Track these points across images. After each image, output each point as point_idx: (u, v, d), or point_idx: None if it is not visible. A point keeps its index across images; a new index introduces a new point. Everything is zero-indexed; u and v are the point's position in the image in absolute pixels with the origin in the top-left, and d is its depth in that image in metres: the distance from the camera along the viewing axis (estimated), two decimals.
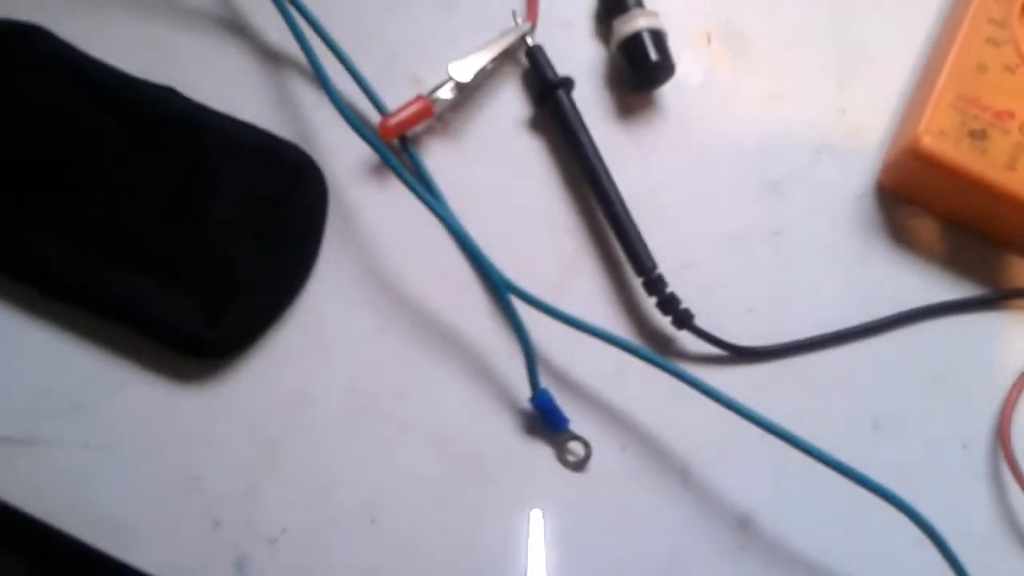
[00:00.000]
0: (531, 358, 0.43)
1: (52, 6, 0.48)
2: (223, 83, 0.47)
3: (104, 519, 0.41)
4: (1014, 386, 0.47)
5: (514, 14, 0.50)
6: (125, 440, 0.42)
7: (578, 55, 0.51)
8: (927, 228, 0.50)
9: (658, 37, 0.49)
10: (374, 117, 0.47)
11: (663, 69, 0.49)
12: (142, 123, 0.44)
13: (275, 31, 0.48)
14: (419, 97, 0.47)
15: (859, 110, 0.51)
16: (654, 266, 0.46)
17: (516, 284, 0.44)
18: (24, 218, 0.42)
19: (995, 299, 0.49)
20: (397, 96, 0.47)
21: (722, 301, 0.47)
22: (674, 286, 0.46)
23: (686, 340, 0.46)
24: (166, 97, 0.45)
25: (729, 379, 0.46)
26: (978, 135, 0.47)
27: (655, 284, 0.45)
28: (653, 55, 0.49)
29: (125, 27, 0.48)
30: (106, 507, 0.41)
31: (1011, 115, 0.47)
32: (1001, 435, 0.46)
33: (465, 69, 0.47)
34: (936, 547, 0.41)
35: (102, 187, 0.43)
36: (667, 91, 0.51)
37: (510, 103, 0.50)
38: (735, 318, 0.47)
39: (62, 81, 0.44)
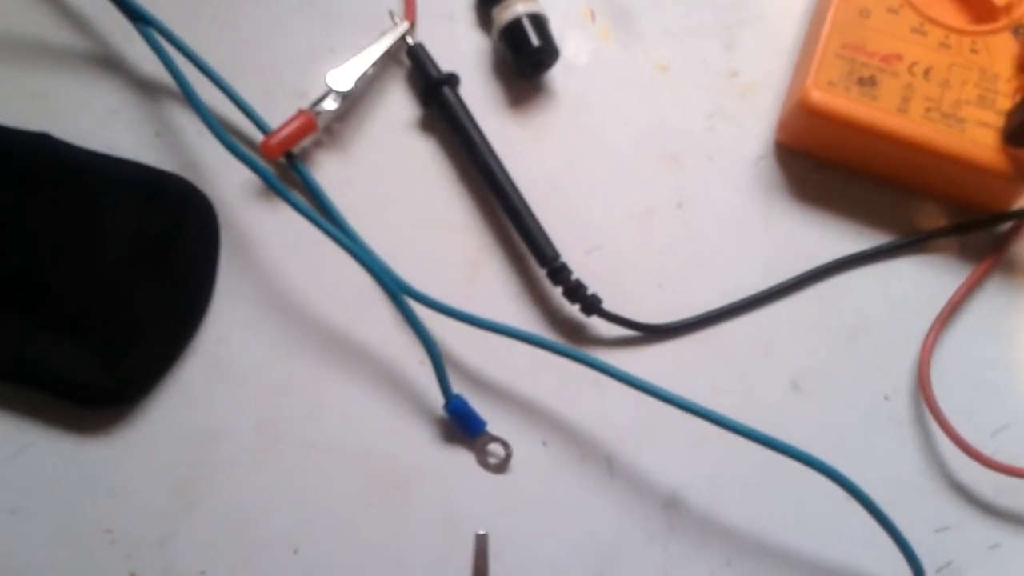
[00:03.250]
0: (439, 364, 0.43)
1: None
2: (100, 122, 0.47)
3: None
4: (930, 331, 0.47)
5: (391, 14, 0.49)
6: (35, 501, 0.41)
7: (463, 47, 0.50)
8: (830, 181, 0.49)
9: (538, 21, 0.49)
10: (259, 136, 0.46)
11: (547, 53, 0.49)
12: (19, 174, 0.43)
13: (148, 63, 0.47)
14: (300, 112, 0.46)
15: (750, 70, 0.51)
16: (556, 255, 0.45)
17: (414, 287, 0.44)
18: None
19: (905, 244, 0.49)
20: (283, 114, 0.47)
21: (632, 280, 0.47)
22: (581, 271, 0.46)
23: (599, 325, 0.46)
24: (41, 144, 0.44)
25: (646, 358, 0.46)
26: (867, 82, 0.47)
27: (559, 273, 0.45)
28: (535, 40, 0.48)
29: None
30: (23, 571, 0.41)
31: (898, 57, 0.47)
32: (920, 381, 0.46)
33: (344, 77, 0.47)
34: (861, 504, 0.41)
35: None
36: (555, 74, 0.50)
37: (397, 106, 0.49)
38: (647, 295, 0.47)
39: None
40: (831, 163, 0.49)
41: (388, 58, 0.48)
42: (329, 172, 0.47)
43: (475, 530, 0.43)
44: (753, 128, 0.50)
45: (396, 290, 0.43)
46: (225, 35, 0.49)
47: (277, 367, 0.44)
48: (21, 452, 0.42)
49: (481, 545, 0.42)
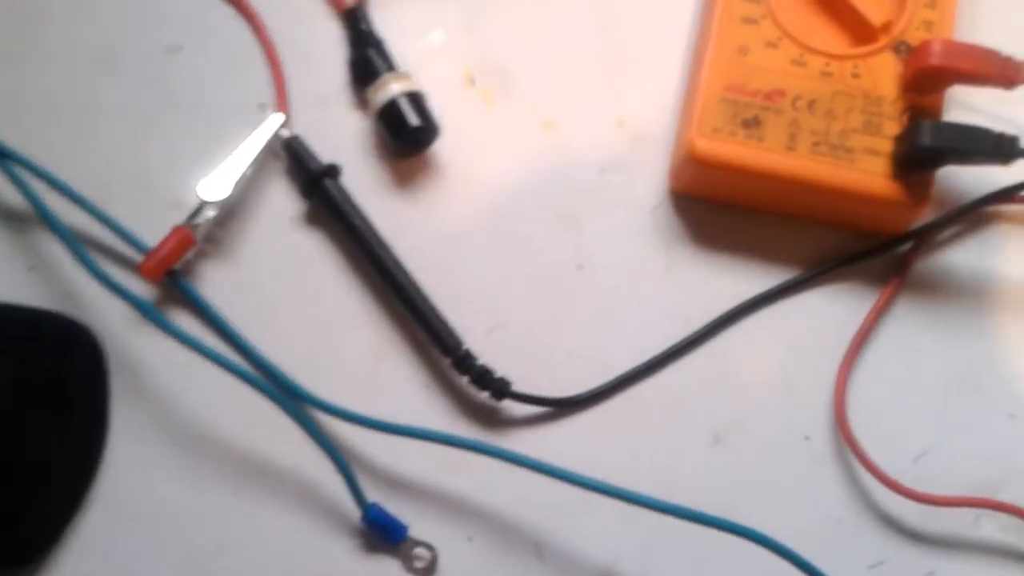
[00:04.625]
0: (349, 475, 0.42)
1: None
2: None
3: None
4: (841, 367, 0.47)
5: (262, 108, 0.47)
6: None
7: (340, 131, 0.49)
8: (728, 222, 0.49)
9: (415, 98, 0.48)
10: (138, 258, 0.45)
11: (427, 131, 0.48)
12: None
13: (12, 194, 0.45)
14: (176, 228, 0.45)
15: (638, 120, 0.50)
16: (459, 344, 0.44)
17: (314, 396, 0.43)
18: None
19: (809, 278, 0.48)
20: (161, 227, 0.45)
21: (540, 352, 0.47)
22: (486, 352, 0.45)
23: (512, 406, 0.45)
24: None
25: (563, 433, 0.46)
26: (752, 123, 0.46)
27: (464, 361, 0.44)
28: (413, 120, 0.47)
29: None
30: None
31: (781, 93, 0.47)
32: (837, 418, 0.46)
33: (217, 186, 0.45)
34: (792, 563, 0.41)
35: None
36: (440, 146, 0.49)
37: (278, 201, 0.48)
38: (557, 366, 0.46)
39: None
40: (728, 205, 0.49)
41: (264, 153, 0.47)
42: (215, 281, 0.46)
43: None
44: (647, 177, 0.49)
45: (293, 402, 0.42)
46: (89, 153, 0.47)
47: (185, 503, 0.43)
48: None
49: None
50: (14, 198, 0.46)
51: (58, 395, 0.42)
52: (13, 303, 0.44)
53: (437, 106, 0.48)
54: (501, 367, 0.45)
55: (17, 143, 0.45)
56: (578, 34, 0.51)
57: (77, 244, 0.43)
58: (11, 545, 0.40)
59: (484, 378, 0.44)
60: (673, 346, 0.47)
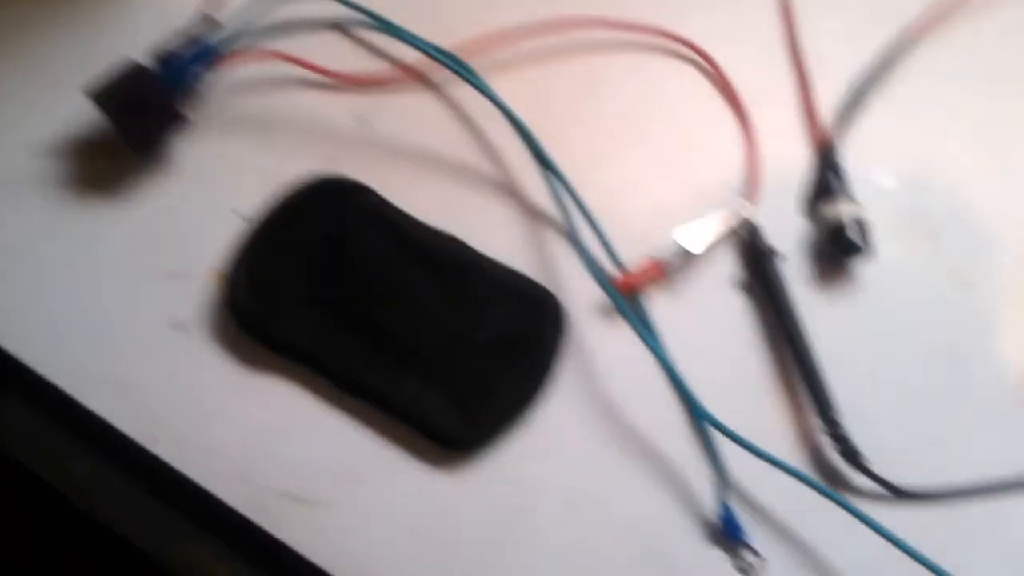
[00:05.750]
0: (723, 476, 0.52)
1: (371, 166, 0.62)
2: (496, 234, 0.60)
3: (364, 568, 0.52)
4: None
5: (738, 196, 0.61)
6: (392, 510, 0.53)
7: (788, 230, 0.61)
8: None
9: (860, 223, 0.58)
10: (610, 267, 0.59)
11: (863, 252, 0.58)
12: (433, 265, 0.57)
13: (539, 194, 0.60)
14: (656, 260, 0.58)
15: None
16: (835, 412, 0.54)
17: (714, 415, 0.53)
18: (341, 331, 0.56)
19: None
20: (631, 255, 0.59)
21: (896, 443, 0.55)
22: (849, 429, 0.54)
23: (856, 477, 0.54)
24: (452, 246, 0.58)
25: (896, 519, 0.53)
26: None
27: (834, 429, 0.54)
28: (856, 240, 0.58)
29: (425, 187, 0.62)
30: (368, 561, 0.52)
31: None
32: None
33: (692, 239, 0.58)
34: None
35: (399, 312, 0.56)
36: (864, 267, 0.59)
37: (724, 267, 0.60)
38: (912, 454, 0.55)
39: (377, 229, 0.59)
40: None
41: (728, 227, 0.60)
42: (661, 308, 0.59)
43: None
44: None
45: (700, 415, 0.54)
46: (601, 183, 0.61)
47: (587, 453, 0.54)
48: (390, 470, 0.54)
49: None
50: (540, 199, 0.61)
51: (529, 345, 0.56)
52: (521, 272, 0.58)
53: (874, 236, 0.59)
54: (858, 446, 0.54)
55: (558, 160, 0.60)
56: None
57: (583, 246, 0.57)
58: (468, 435, 0.54)
59: (843, 443, 0.54)
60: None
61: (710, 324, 0.58)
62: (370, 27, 0.66)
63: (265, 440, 0.54)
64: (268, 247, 0.58)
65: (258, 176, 0.61)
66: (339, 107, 0.65)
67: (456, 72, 0.62)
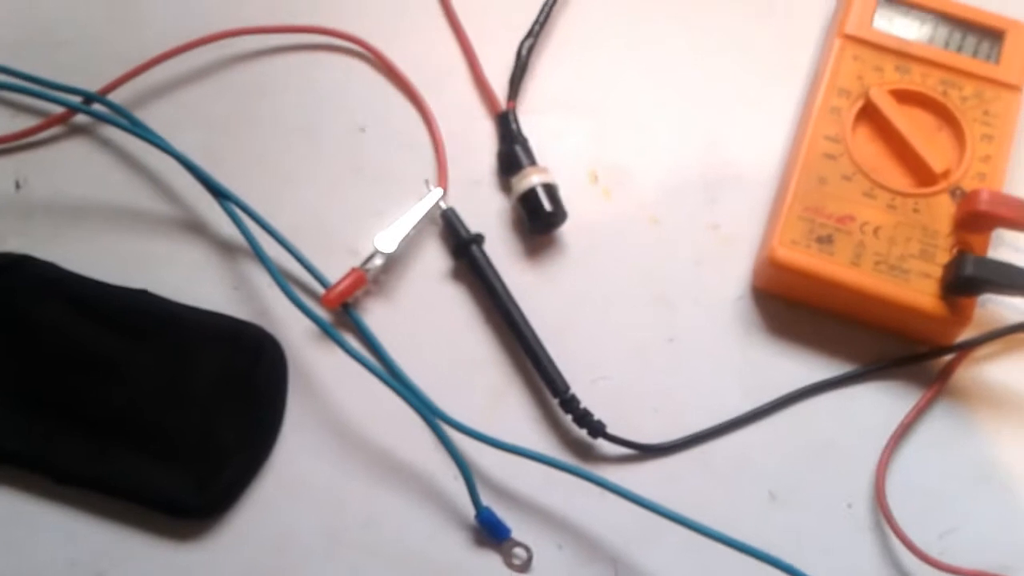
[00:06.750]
0: (470, 480, 0.51)
1: (38, 233, 0.56)
2: (188, 278, 0.56)
3: None
4: (885, 448, 0.55)
5: (427, 182, 0.59)
6: None
7: (487, 208, 0.60)
8: (799, 318, 0.58)
9: (550, 189, 0.58)
10: (319, 288, 0.56)
11: (557, 216, 0.58)
12: (124, 327, 0.53)
13: (227, 227, 0.57)
14: (353, 269, 0.56)
15: (730, 224, 0.60)
16: (567, 388, 0.54)
17: (447, 415, 0.52)
18: (39, 422, 0.51)
19: (864, 373, 0.57)
20: (337, 267, 0.56)
21: (631, 405, 0.56)
22: (587, 398, 0.54)
23: (604, 445, 0.55)
24: (141, 299, 0.54)
25: (643, 473, 0.54)
26: (825, 240, 0.56)
27: (569, 404, 0.54)
28: (547, 206, 0.58)
29: (101, 243, 0.57)
30: None
31: (851, 218, 0.57)
32: (877, 492, 0.54)
33: (389, 240, 0.56)
34: None
35: (98, 385, 0.52)
36: (564, 229, 0.60)
37: (432, 258, 0.59)
38: (644, 419, 0.55)
39: (53, 300, 0.53)
40: (799, 303, 0.59)
41: (425, 219, 0.58)
42: (376, 316, 0.57)
43: None
44: (732, 273, 0.59)
45: (432, 417, 0.52)
46: (289, 201, 0.58)
47: (336, 484, 0.52)
48: (131, 556, 0.50)
49: None
50: (228, 231, 0.57)
51: (250, 387, 0.53)
52: (221, 313, 0.55)
53: (566, 196, 0.59)
54: (598, 412, 0.54)
55: (235, 189, 0.56)
56: (687, 148, 0.62)
57: (276, 272, 0.54)
58: (204, 500, 0.50)
59: (585, 418, 0.54)
60: (743, 414, 0.56)
61: (430, 321, 0.57)
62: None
63: None
64: None
65: None
66: None
67: (100, 118, 0.58)
